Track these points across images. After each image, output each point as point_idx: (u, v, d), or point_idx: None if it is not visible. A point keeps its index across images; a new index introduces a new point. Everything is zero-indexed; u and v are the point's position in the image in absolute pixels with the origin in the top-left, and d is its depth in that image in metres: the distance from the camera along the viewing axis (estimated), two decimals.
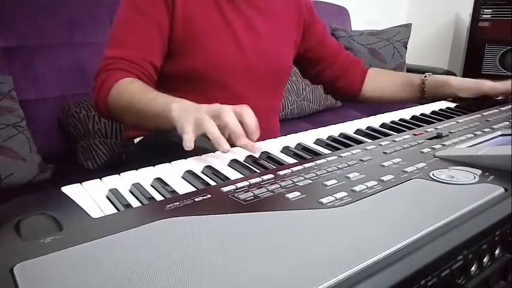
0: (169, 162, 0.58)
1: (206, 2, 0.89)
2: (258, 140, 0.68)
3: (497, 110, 0.82)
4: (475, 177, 0.48)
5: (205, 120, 0.58)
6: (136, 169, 0.55)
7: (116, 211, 0.45)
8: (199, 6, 0.88)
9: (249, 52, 0.93)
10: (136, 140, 1.00)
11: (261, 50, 0.95)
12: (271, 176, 0.50)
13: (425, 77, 1.02)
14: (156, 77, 0.87)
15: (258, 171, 0.56)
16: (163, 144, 0.79)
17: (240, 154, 0.61)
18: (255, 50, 0.94)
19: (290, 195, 0.45)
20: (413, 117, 0.83)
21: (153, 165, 0.57)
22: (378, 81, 1.11)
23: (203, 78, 0.89)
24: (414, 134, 0.67)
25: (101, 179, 0.52)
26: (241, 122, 0.59)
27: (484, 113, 0.80)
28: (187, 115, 0.60)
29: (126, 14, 0.86)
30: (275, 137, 0.71)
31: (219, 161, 0.59)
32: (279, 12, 0.99)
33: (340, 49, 1.12)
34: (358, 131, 0.74)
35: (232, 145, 0.59)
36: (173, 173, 0.55)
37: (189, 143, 0.57)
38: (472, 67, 2.63)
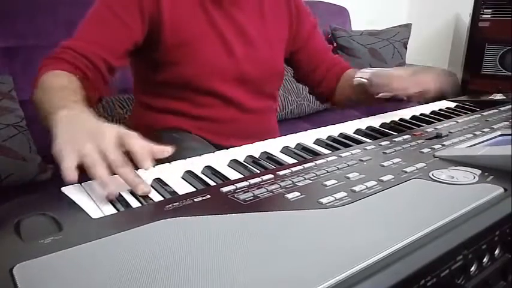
0: (169, 162, 0.58)
1: (193, 8, 0.86)
2: (257, 140, 0.68)
3: (497, 110, 0.82)
4: (474, 177, 0.48)
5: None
6: (136, 169, 0.55)
7: (115, 211, 0.45)
8: (187, 13, 0.85)
9: (240, 58, 0.90)
10: None
11: (252, 55, 0.92)
12: (270, 176, 0.50)
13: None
14: (108, 75, 0.81)
15: (258, 171, 0.56)
16: (163, 145, 0.78)
17: (240, 154, 0.61)
18: (247, 56, 0.91)
19: (290, 196, 0.45)
20: (413, 117, 0.83)
21: (153, 166, 0.57)
22: (345, 80, 0.97)
23: (194, 85, 0.87)
24: (414, 134, 0.67)
25: None
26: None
27: (484, 113, 0.80)
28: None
29: (95, 9, 0.83)
30: (274, 137, 0.70)
31: (219, 161, 0.59)
32: (269, 12, 0.96)
33: (325, 51, 1.04)
34: (358, 131, 0.74)
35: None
36: (173, 173, 0.55)
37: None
38: (472, 67, 2.62)
